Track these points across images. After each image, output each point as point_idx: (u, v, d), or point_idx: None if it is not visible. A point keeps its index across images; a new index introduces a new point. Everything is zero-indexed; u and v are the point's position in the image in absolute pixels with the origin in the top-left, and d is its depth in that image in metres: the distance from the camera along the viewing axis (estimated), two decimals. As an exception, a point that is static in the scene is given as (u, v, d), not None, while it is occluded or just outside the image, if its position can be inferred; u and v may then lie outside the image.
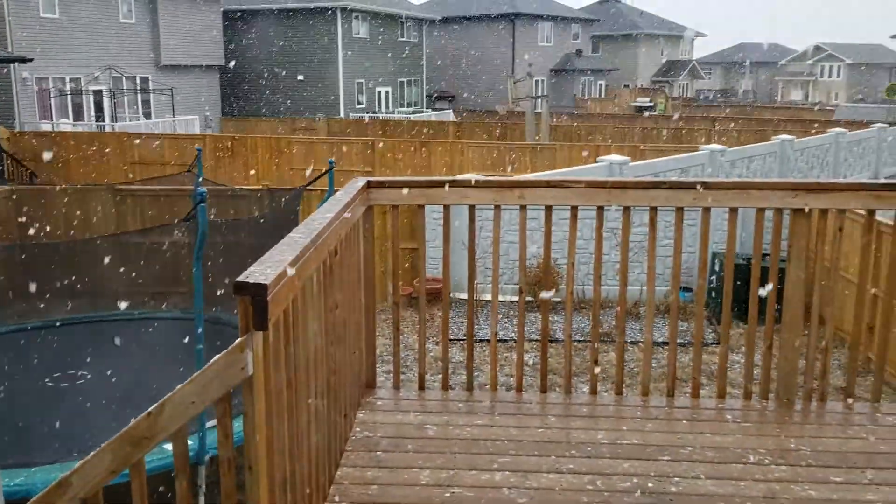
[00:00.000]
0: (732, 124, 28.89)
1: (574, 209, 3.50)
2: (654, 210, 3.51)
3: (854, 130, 23.13)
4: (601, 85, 54.36)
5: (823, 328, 3.70)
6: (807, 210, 3.47)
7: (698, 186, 3.49)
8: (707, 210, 3.52)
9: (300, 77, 36.79)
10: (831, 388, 3.74)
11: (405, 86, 42.87)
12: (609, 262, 9.11)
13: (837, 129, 22.31)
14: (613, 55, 58.45)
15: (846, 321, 7.29)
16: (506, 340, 8.78)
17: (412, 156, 19.24)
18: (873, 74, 70.33)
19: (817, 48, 73.06)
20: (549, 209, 3.52)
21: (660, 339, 8.64)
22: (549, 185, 3.48)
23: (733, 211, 3.53)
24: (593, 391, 3.76)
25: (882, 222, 3.83)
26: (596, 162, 11.86)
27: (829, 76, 71.82)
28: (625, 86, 54.34)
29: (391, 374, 3.96)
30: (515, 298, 10.18)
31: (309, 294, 2.45)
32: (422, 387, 3.83)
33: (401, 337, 3.77)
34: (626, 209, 3.52)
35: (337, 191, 3.50)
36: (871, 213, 3.53)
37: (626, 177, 11.13)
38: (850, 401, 3.66)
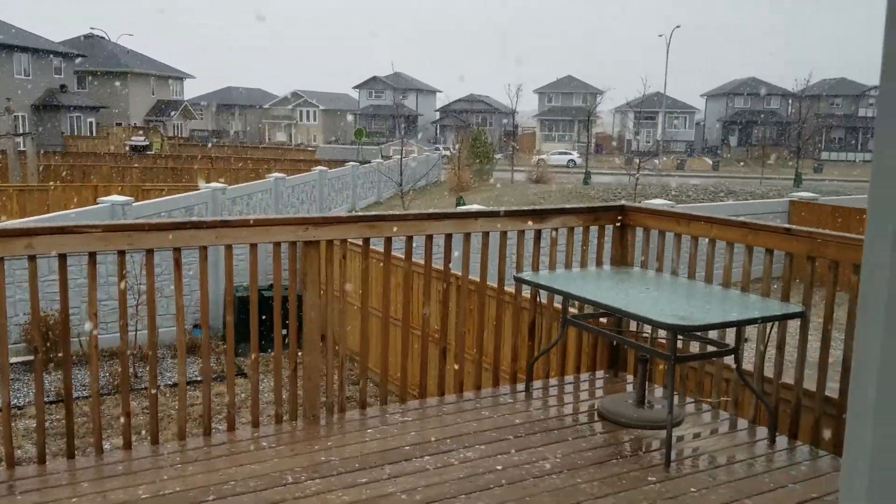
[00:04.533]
0: (223, 163, 29.84)
1: (92, 256, 3.31)
2: (177, 251, 3.52)
3: (333, 168, 25.97)
4: (91, 122, 50.98)
5: (338, 347, 4.14)
6: (316, 241, 3.87)
7: (217, 225, 3.62)
8: (230, 247, 3.66)
9: None
10: (348, 399, 4.20)
11: None
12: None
13: (320, 168, 24.76)
14: (103, 92, 55.45)
15: (354, 339, 8.18)
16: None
17: None
18: (343, 119, 79.81)
19: (295, 94, 79.94)
20: (63, 258, 3.26)
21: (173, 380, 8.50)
22: (62, 231, 3.22)
23: (254, 246, 3.73)
24: (127, 445, 3.58)
25: (375, 249, 4.45)
26: (97, 203, 11.13)
27: (307, 120, 79.15)
28: (118, 124, 51.90)
29: None
30: (22, 359, 8.94)
31: None
32: None
33: None
34: (150, 252, 3.46)
35: None
36: (367, 241, 4.08)
37: (131, 217, 10.69)
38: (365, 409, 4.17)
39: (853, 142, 71.92)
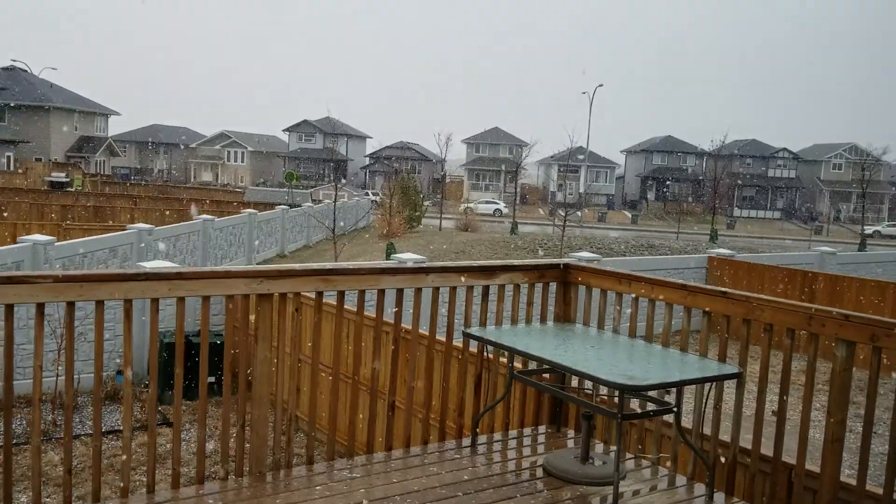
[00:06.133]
0: (148, 203, 29.11)
1: (41, 306, 3.21)
2: (129, 302, 3.44)
3: (263, 211, 25.67)
4: (9, 157, 49.10)
5: (287, 402, 4.09)
6: (270, 294, 3.84)
7: (172, 277, 3.57)
8: (182, 299, 3.60)
9: None
10: (295, 454, 4.13)
11: None
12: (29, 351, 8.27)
13: (250, 210, 24.44)
14: (23, 126, 53.63)
15: (303, 394, 8.03)
16: None
17: None
18: (271, 161, 79.24)
19: (223, 135, 79.04)
20: (9, 308, 3.15)
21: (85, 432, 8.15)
22: (11, 281, 3.11)
23: (206, 298, 3.68)
24: (68, 501, 3.43)
25: (328, 303, 4.44)
26: (17, 242, 10.70)
27: (235, 161, 78.24)
28: (37, 159, 50.09)
29: None
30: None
31: None
32: None
33: None
34: (100, 303, 3.37)
35: None
36: (320, 294, 4.08)
37: (53, 258, 10.32)
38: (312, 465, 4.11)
39: (763, 200, 75.59)
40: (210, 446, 4.53)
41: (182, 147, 78.53)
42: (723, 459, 4.15)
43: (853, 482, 3.66)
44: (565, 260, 5.19)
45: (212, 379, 7.84)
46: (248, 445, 3.91)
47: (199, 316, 3.72)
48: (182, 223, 19.03)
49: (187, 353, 3.64)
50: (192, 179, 73.76)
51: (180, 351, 3.57)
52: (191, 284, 3.60)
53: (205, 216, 19.74)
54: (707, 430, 4.19)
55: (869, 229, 52.44)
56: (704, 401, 4.06)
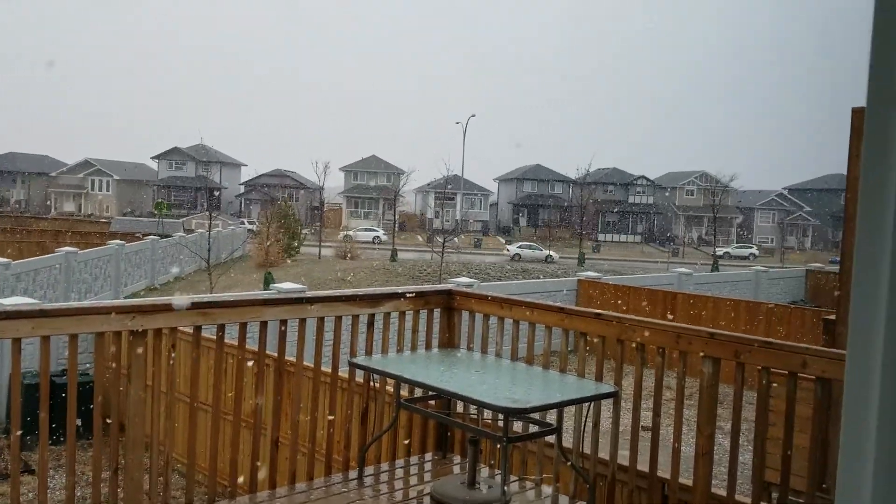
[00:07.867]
0: (4, 235, 27.19)
1: None
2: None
3: (131, 242, 24.49)
4: None
5: (163, 445, 3.90)
6: (144, 330, 3.67)
7: (35, 315, 3.35)
8: (46, 338, 3.38)
9: None
10: (173, 499, 3.94)
11: None
12: None
13: (117, 241, 23.28)
14: None
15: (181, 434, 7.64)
16: None
17: None
18: (140, 190, 75.91)
19: (87, 163, 75.00)
20: None
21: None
22: None
23: (73, 337, 3.47)
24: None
25: (206, 337, 4.29)
26: None
27: (101, 189, 74.34)
28: None
29: None
30: None
31: None
32: None
33: None
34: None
35: None
36: (198, 329, 3.94)
37: None
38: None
39: (625, 224, 79.35)
40: (79, 493, 4.25)
41: (42, 176, 73.88)
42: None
43: (724, 493, 3.87)
44: (448, 286, 5.26)
45: (80, 422, 7.39)
46: (121, 491, 3.69)
47: (67, 355, 3.50)
48: (43, 256, 17.87)
49: (53, 395, 3.40)
50: (54, 210, 69.47)
51: (45, 393, 3.34)
52: (56, 322, 3.39)
53: (67, 248, 18.62)
54: (587, 450, 4.32)
55: (720, 251, 56.04)
56: (584, 420, 4.20)
